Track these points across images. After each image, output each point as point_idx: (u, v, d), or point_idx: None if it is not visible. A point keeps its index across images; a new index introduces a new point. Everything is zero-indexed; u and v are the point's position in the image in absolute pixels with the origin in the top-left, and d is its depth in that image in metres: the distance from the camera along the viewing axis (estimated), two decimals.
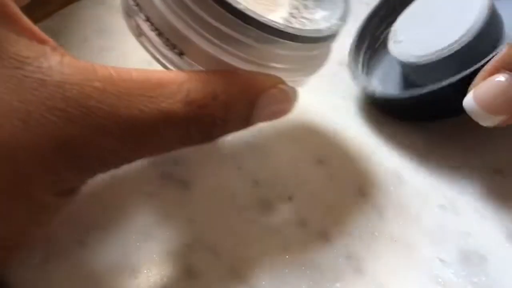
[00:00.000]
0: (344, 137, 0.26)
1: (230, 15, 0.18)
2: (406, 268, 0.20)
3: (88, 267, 0.19)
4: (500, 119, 0.21)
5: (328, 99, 0.30)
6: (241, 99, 0.18)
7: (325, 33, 0.20)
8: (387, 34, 0.28)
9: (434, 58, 0.24)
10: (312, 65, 0.22)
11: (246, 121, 0.19)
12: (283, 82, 0.20)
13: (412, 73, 0.27)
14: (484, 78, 0.21)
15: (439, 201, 0.23)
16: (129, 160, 0.17)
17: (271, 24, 0.18)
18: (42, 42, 0.15)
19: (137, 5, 0.19)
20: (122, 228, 0.21)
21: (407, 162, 0.25)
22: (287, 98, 0.20)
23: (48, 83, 0.14)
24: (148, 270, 0.19)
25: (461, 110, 0.22)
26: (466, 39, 0.23)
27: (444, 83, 0.22)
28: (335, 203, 0.23)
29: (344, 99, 0.30)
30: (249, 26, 0.18)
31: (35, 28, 0.15)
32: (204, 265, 0.20)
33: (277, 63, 0.20)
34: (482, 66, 0.21)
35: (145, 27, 0.19)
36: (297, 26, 0.20)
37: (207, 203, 0.23)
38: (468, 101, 0.21)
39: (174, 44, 0.19)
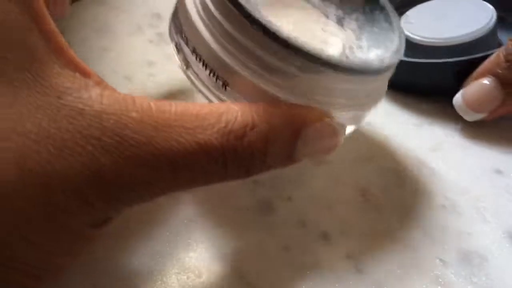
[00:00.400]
0: (344, 137, 0.26)
1: (274, 43, 0.17)
2: (406, 268, 0.20)
3: (88, 267, 0.19)
4: (481, 116, 0.26)
5: None
6: (283, 131, 0.17)
7: (374, 66, 0.19)
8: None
9: (436, 43, 0.28)
10: (364, 101, 0.20)
11: (288, 157, 0.18)
12: (330, 116, 0.19)
13: (411, 53, 0.27)
14: (474, 80, 0.25)
15: (439, 201, 0.23)
16: (164, 192, 0.16)
17: (315, 52, 0.17)
18: (85, 75, 0.16)
19: (185, 37, 0.19)
20: (122, 228, 0.21)
21: (407, 162, 0.25)
22: (334, 134, 0.19)
23: (86, 113, 0.15)
24: (148, 270, 0.19)
25: (448, 92, 0.27)
26: (467, 39, 0.27)
27: (440, 60, 0.26)
28: (335, 203, 0.23)
29: None
30: (292, 54, 0.17)
31: (80, 61, 0.16)
32: (203, 265, 0.20)
33: (323, 95, 0.19)
34: (476, 58, 0.26)
35: (192, 59, 0.19)
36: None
37: (207, 203, 0.23)
38: (457, 98, 0.26)
39: (218, 75, 0.19)
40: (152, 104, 0.16)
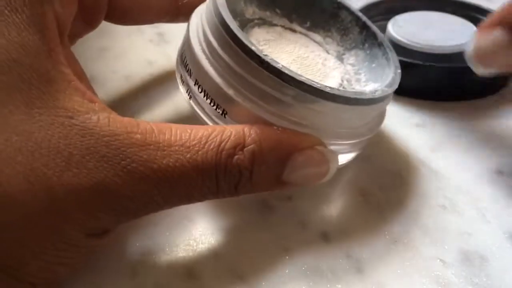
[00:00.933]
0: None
1: (270, 74, 0.18)
2: (406, 268, 0.20)
3: (87, 268, 0.19)
4: (493, 71, 0.22)
5: None
6: (271, 153, 0.18)
7: (366, 96, 0.20)
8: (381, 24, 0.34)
9: (423, 48, 0.29)
10: (359, 131, 0.21)
11: (276, 180, 0.19)
12: (322, 144, 0.19)
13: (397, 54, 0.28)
14: (485, 30, 0.22)
15: (439, 201, 0.23)
16: (162, 207, 0.18)
17: (308, 82, 0.18)
18: (92, 101, 0.17)
19: (189, 70, 0.21)
20: (121, 229, 0.21)
21: (407, 162, 0.25)
22: (324, 162, 0.19)
23: (94, 132, 0.16)
24: (148, 271, 0.19)
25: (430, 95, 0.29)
26: (452, 50, 0.29)
27: (421, 63, 0.28)
28: (335, 203, 0.23)
29: None
30: (287, 84, 0.18)
31: (86, 90, 0.17)
32: (204, 265, 0.20)
33: (317, 124, 0.20)
34: (457, 67, 0.28)
35: (194, 89, 0.21)
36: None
37: (207, 203, 0.22)
38: (468, 51, 0.23)
39: (218, 104, 0.20)
40: (154, 126, 0.17)
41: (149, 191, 0.17)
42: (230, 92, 0.19)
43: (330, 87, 0.19)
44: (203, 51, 0.20)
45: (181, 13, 0.26)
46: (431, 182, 0.24)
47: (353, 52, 0.25)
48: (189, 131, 0.18)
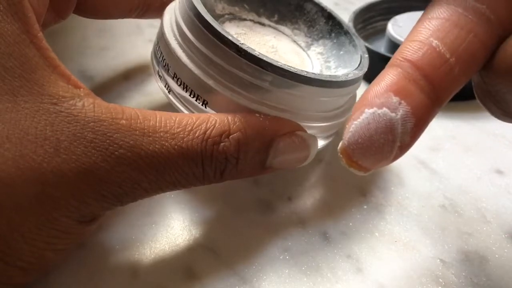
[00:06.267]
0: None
1: (247, 62, 0.19)
2: (406, 268, 0.20)
3: (88, 268, 0.19)
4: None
5: None
6: (255, 140, 0.19)
7: (340, 79, 0.21)
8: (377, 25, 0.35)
9: None
10: (334, 113, 0.22)
11: (260, 165, 0.20)
12: (302, 129, 0.20)
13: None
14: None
15: (439, 201, 0.23)
16: (148, 192, 0.18)
17: (285, 67, 0.19)
18: (76, 87, 0.17)
19: (166, 64, 0.22)
20: (122, 229, 0.21)
21: (407, 162, 0.25)
22: (305, 146, 0.20)
23: (80, 118, 0.16)
24: (148, 271, 0.19)
25: None
26: None
27: None
28: (335, 203, 0.23)
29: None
30: (264, 71, 0.19)
31: (71, 75, 0.17)
32: (204, 265, 0.20)
33: (295, 108, 0.20)
34: None
35: (173, 83, 0.22)
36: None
37: (207, 203, 0.22)
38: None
39: (198, 95, 0.21)
40: (138, 112, 0.18)
41: (137, 177, 0.17)
42: (210, 82, 0.20)
43: (306, 71, 0.19)
44: (180, 45, 0.21)
45: (150, 9, 0.27)
46: (431, 182, 0.24)
47: (320, 42, 0.26)
48: (174, 118, 0.18)
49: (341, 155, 0.16)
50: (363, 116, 0.15)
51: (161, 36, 0.22)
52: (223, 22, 0.25)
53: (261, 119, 0.19)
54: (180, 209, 0.22)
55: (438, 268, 0.20)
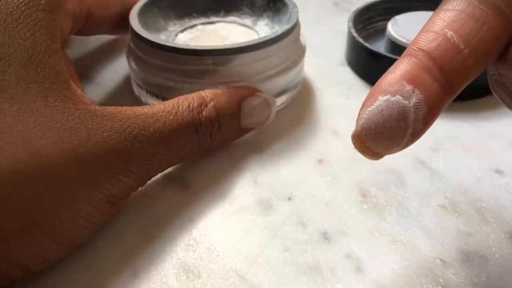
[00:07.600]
0: (345, 137, 0.26)
1: (183, 56, 0.24)
2: (406, 268, 0.20)
3: (88, 268, 0.19)
4: None
5: (329, 99, 0.30)
6: (228, 106, 0.23)
7: (268, 37, 0.24)
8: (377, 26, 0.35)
9: None
10: (279, 68, 0.26)
11: (238, 128, 0.24)
12: (259, 91, 0.25)
13: (398, 54, 0.29)
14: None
15: (439, 201, 0.23)
16: (161, 164, 0.22)
17: (218, 47, 0.24)
18: (82, 97, 0.21)
19: (133, 71, 0.27)
20: (122, 229, 0.21)
21: (407, 162, 0.25)
22: (266, 105, 0.25)
23: (98, 114, 0.20)
24: (148, 270, 0.19)
25: None
26: None
27: None
28: (335, 203, 0.23)
29: (345, 99, 0.30)
30: (204, 57, 0.24)
31: (77, 88, 0.21)
32: (204, 265, 0.20)
33: (244, 76, 0.25)
34: None
35: (136, 87, 0.27)
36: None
37: (207, 203, 0.22)
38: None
39: (155, 94, 0.26)
40: (133, 108, 0.21)
41: (151, 150, 0.20)
42: (171, 84, 0.25)
43: (236, 43, 0.24)
44: (134, 60, 0.26)
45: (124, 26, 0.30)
46: (431, 182, 0.24)
47: (264, 15, 0.30)
48: (160, 104, 0.22)
49: (354, 140, 0.16)
50: (377, 103, 0.15)
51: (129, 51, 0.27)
52: (176, 35, 0.29)
53: (226, 89, 0.24)
54: (179, 209, 0.22)
55: (438, 268, 0.20)
